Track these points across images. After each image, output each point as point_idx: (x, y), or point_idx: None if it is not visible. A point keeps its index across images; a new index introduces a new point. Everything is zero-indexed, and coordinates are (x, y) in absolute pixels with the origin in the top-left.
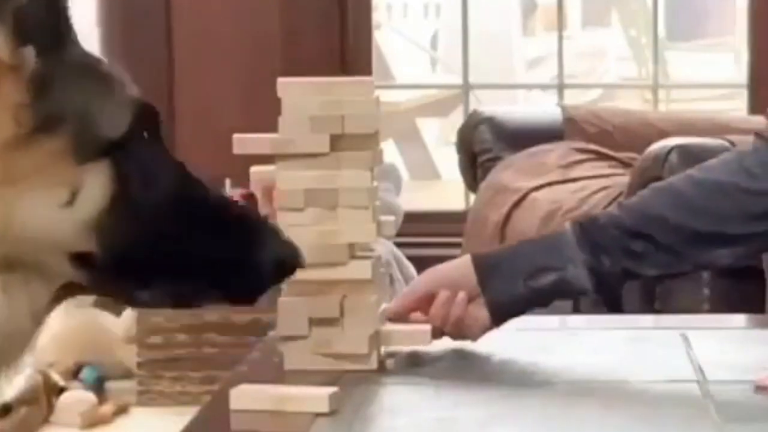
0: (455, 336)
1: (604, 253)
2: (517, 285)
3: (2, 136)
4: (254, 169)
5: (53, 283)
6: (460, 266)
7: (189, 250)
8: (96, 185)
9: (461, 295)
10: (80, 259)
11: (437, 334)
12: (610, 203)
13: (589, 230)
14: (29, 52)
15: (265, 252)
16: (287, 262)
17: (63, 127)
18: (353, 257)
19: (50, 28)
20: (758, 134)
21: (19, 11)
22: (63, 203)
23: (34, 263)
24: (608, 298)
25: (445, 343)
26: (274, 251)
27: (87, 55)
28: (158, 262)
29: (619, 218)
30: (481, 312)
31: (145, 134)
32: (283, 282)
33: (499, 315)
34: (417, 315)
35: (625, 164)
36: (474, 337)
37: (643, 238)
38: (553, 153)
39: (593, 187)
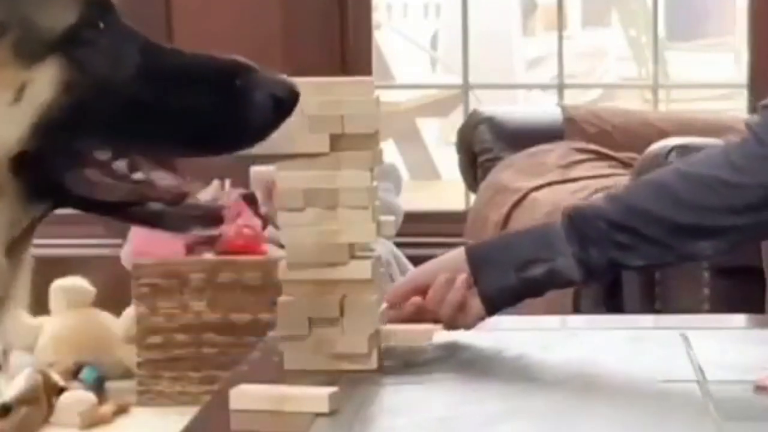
0: (450, 323)
1: (592, 245)
2: (509, 276)
3: None
4: (255, 169)
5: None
6: (456, 256)
7: (168, 118)
8: (43, 81)
9: (461, 277)
10: (16, 162)
11: (432, 320)
12: None
13: (577, 223)
14: None
15: (259, 92)
16: (283, 97)
17: (5, 34)
18: (353, 257)
19: None
20: (748, 125)
21: None
22: (8, 103)
23: None
24: (609, 299)
25: (445, 343)
26: (268, 89)
27: None
28: (131, 134)
29: (605, 211)
30: (475, 301)
31: (100, 23)
32: (286, 118)
33: (492, 305)
34: (416, 299)
35: (625, 164)
36: (468, 326)
37: (629, 230)
38: (553, 153)
39: (593, 187)
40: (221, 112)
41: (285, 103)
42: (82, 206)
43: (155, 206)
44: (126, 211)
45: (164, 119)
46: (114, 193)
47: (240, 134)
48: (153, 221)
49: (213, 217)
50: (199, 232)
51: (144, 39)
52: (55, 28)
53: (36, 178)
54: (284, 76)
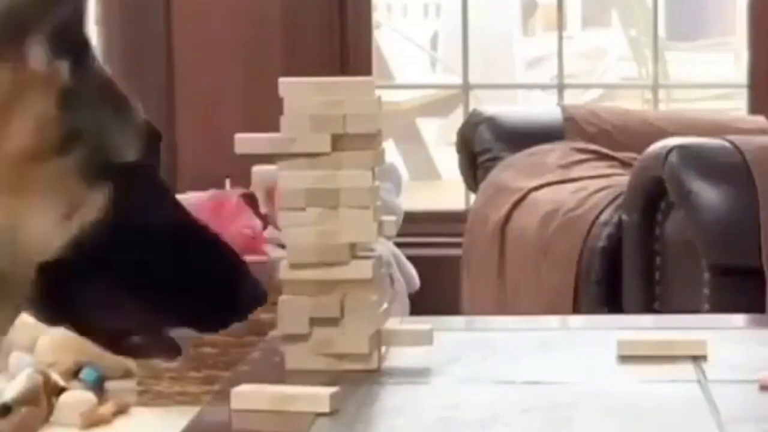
0: None
1: None
2: None
3: (24, 146)
4: (256, 169)
5: (20, 299)
6: None
7: (167, 278)
8: (94, 206)
9: None
10: (45, 268)
11: None
12: (610, 203)
13: None
14: (63, 68)
15: (240, 289)
16: (253, 302)
17: (80, 145)
18: (354, 257)
19: (82, 43)
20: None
21: (61, 24)
22: (60, 220)
23: (13, 277)
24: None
25: (445, 343)
26: (246, 290)
27: (105, 73)
28: (132, 284)
29: None
30: None
31: (152, 160)
32: (245, 319)
33: None
34: None
35: (625, 164)
36: None
37: None
38: (553, 153)
39: (593, 187)
40: (207, 293)
41: (251, 307)
42: (75, 327)
43: (135, 340)
44: (113, 341)
45: (160, 282)
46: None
47: (208, 319)
48: (133, 353)
49: (176, 350)
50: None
51: (170, 191)
52: (122, 153)
53: (55, 288)
54: (258, 281)
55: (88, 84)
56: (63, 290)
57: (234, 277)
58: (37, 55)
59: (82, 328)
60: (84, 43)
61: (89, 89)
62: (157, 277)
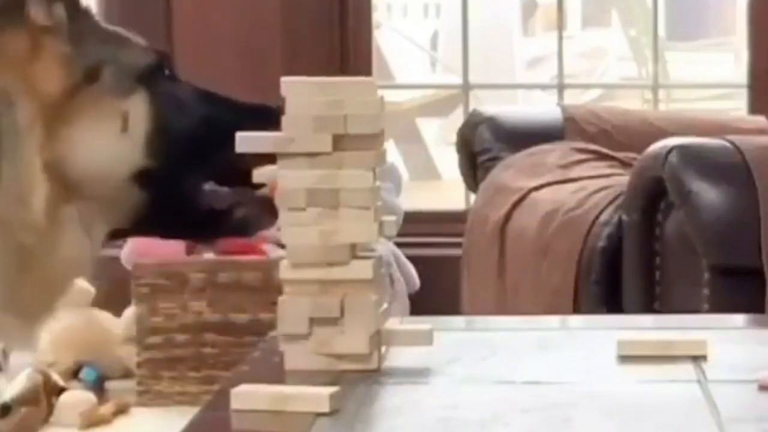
0: None
1: None
2: None
3: (58, 85)
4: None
5: (112, 215)
6: None
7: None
8: (140, 110)
9: None
10: (142, 178)
11: None
12: (610, 203)
13: None
14: (60, 10)
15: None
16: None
17: (102, 72)
18: (354, 257)
19: None
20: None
21: None
22: (119, 131)
23: (97, 197)
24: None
25: (445, 343)
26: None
27: (96, 17)
28: (200, 165)
29: None
30: None
31: (166, 71)
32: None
33: None
34: None
35: (625, 164)
36: None
37: None
38: (553, 153)
39: (593, 187)
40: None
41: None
42: (180, 227)
43: (238, 214)
44: (219, 224)
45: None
46: (226, 200)
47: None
48: (242, 229)
49: (273, 208)
50: (270, 227)
51: (197, 87)
52: (138, 64)
53: (161, 192)
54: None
55: (88, 24)
56: (164, 193)
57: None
58: (37, 7)
59: (190, 225)
60: None
61: (90, 28)
62: (226, 156)
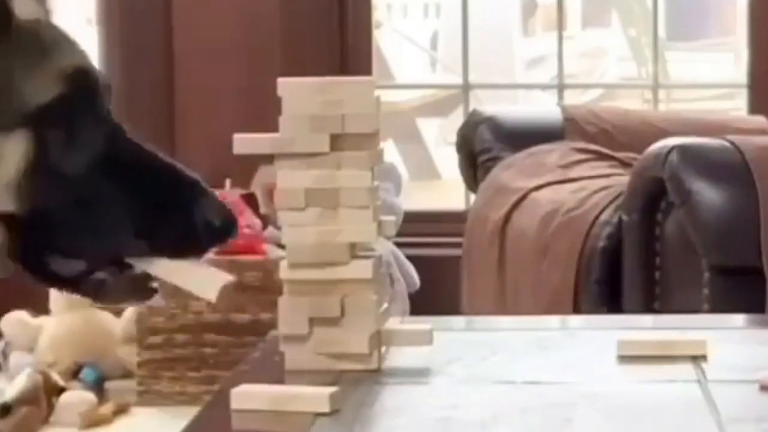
0: None
1: None
2: None
3: None
4: (262, 169)
5: None
6: None
7: (112, 211)
8: (16, 151)
9: None
10: (8, 221)
11: None
12: (610, 203)
13: None
14: None
15: (197, 213)
16: (219, 228)
17: None
18: (354, 257)
19: None
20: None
21: None
22: None
23: None
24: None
25: (445, 343)
26: (206, 214)
27: (27, 25)
28: (81, 225)
29: None
30: None
31: (77, 101)
32: (216, 247)
33: None
34: None
35: (625, 164)
36: None
37: None
38: (553, 153)
39: (593, 187)
40: (167, 221)
41: (219, 234)
42: (36, 275)
43: (98, 277)
44: (74, 284)
45: (113, 214)
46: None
47: (179, 245)
48: (96, 293)
49: (148, 289)
50: (133, 304)
51: (114, 128)
52: (30, 102)
53: (26, 242)
54: (225, 205)
55: (6, 41)
56: (17, 240)
57: (190, 201)
58: None
59: (41, 274)
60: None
61: (6, 45)
62: (109, 210)
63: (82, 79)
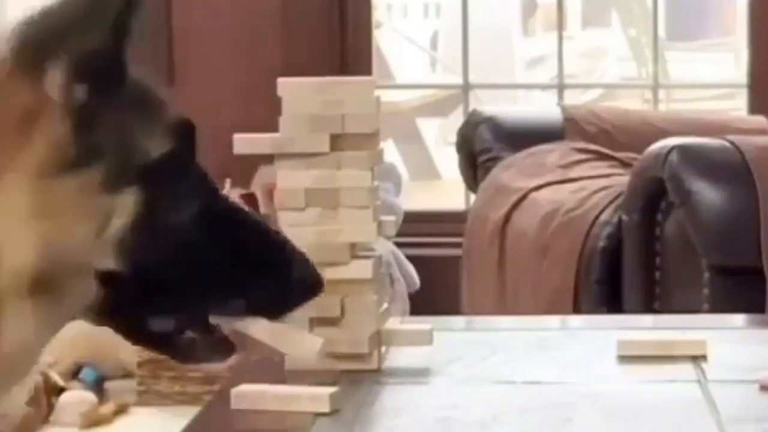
0: None
1: None
2: None
3: (39, 165)
4: (263, 169)
5: (74, 307)
6: None
7: (211, 268)
8: (125, 211)
9: None
10: (106, 278)
11: None
12: (610, 203)
13: None
14: (81, 90)
15: (292, 271)
16: (310, 283)
17: (101, 160)
18: (354, 257)
19: (109, 71)
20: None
21: (87, 55)
22: (94, 233)
23: (60, 287)
24: (609, 299)
25: (445, 343)
26: (301, 273)
27: (136, 85)
28: (181, 282)
29: None
30: None
31: (185, 156)
32: (306, 303)
33: None
34: None
35: (625, 164)
36: None
37: None
38: (553, 153)
39: (593, 187)
40: (265, 279)
41: (310, 289)
42: (133, 338)
43: (189, 336)
44: (166, 343)
45: (212, 271)
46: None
47: (264, 304)
48: (186, 353)
49: (231, 348)
50: (214, 363)
51: (212, 183)
52: (146, 156)
53: (123, 300)
54: (310, 261)
55: (113, 102)
56: (113, 297)
57: (283, 260)
58: (54, 79)
59: (135, 333)
60: (112, 69)
61: (113, 107)
62: (208, 267)
63: (188, 132)
